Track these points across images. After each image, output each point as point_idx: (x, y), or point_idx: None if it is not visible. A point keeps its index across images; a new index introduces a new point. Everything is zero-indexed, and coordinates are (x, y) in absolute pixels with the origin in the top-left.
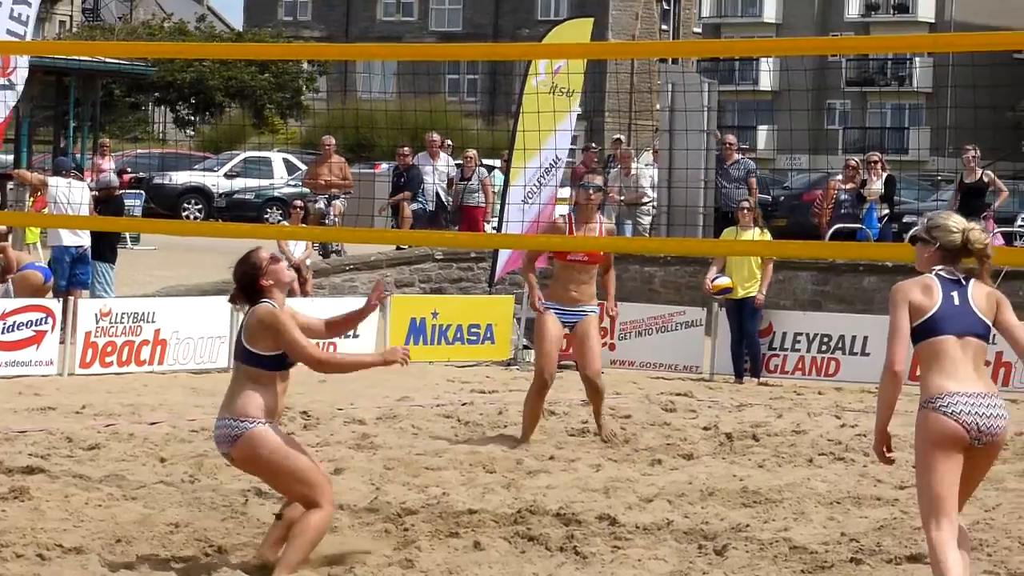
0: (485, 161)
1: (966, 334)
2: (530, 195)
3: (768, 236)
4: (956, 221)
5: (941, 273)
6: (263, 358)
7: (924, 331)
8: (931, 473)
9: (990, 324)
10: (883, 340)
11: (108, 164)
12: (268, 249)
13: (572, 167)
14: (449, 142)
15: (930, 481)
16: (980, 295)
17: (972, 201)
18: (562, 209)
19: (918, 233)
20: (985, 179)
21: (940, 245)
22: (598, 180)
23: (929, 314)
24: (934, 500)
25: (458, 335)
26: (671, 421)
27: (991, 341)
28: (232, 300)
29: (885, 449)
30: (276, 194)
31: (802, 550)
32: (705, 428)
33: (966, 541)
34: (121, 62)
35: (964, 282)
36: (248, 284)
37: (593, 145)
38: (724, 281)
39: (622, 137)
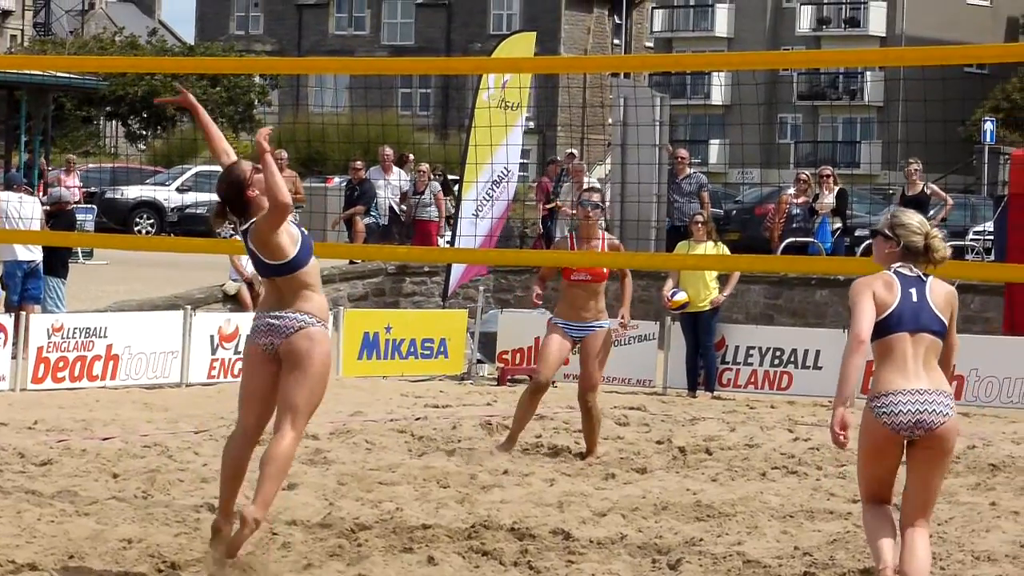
0: (451, 176)
1: (920, 331)
2: (480, 209)
3: (725, 249)
4: (919, 223)
5: (901, 270)
6: (285, 265)
7: (881, 328)
8: (868, 467)
9: (946, 322)
10: (836, 354)
11: (73, 180)
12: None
13: (539, 182)
14: (411, 156)
15: (867, 471)
16: (939, 293)
17: None
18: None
19: (880, 228)
20: (927, 191)
21: (903, 244)
22: (595, 197)
23: (888, 311)
24: (869, 486)
25: (411, 349)
26: (624, 435)
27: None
28: (217, 218)
29: (841, 431)
30: None
31: (755, 564)
32: (658, 442)
33: (917, 554)
34: (72, 76)
35: (923, 279)
36: (236, 196)
37: (558, 158)
38: (681, 297)
39: (575, 151)
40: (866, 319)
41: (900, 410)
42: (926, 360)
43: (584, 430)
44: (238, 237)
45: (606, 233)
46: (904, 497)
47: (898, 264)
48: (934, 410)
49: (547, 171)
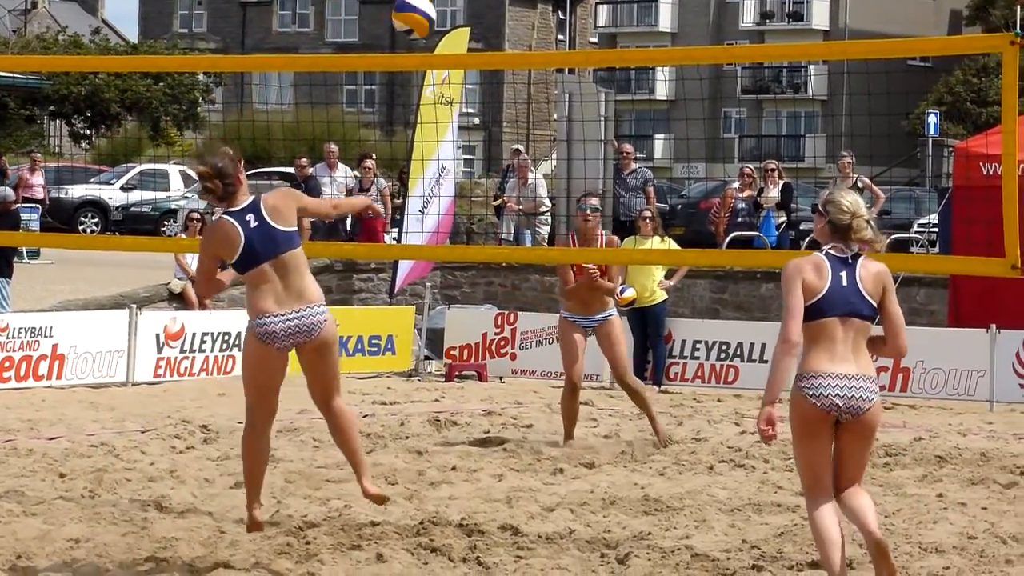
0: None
1: (849, 315)
2: (425, 206)
3: (673, 244)
4: (850, 202)
5: (831, 252)
6: (296, 235)
7: (812, 312)
8: (802, 447)
9: (875, 305)
10: None
11: (38, 179)
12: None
13: (511, 176)
14: (373, 155)
15: (802, 453)
16: (868, 275)
17: None
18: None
19: (817, 204)
20: (860, 184)
21: (829, 220)
22: (594, 201)
23: (818, 297)
24: (807, 471)
25: (359, 346)
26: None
27: (876, 322)
28: (204, 196)
29: (768, 426)
30: (173, 206)
31: (704, 557)
32: (606, 436)
33: (862, 508)
34: (15, 75)
35: (852, 261)
36: (227, 186)
37: (519, 148)
38: (630, 293)
39: (520, 147)
40: (796, 319)
41: (827, 392)
42: (855, 344)
43: (645, 414)
44: (227, 218)
45: (604, 232)
46: (837, 470)
47: (830, 245)
48: (860, 396)
49: (518, 162)
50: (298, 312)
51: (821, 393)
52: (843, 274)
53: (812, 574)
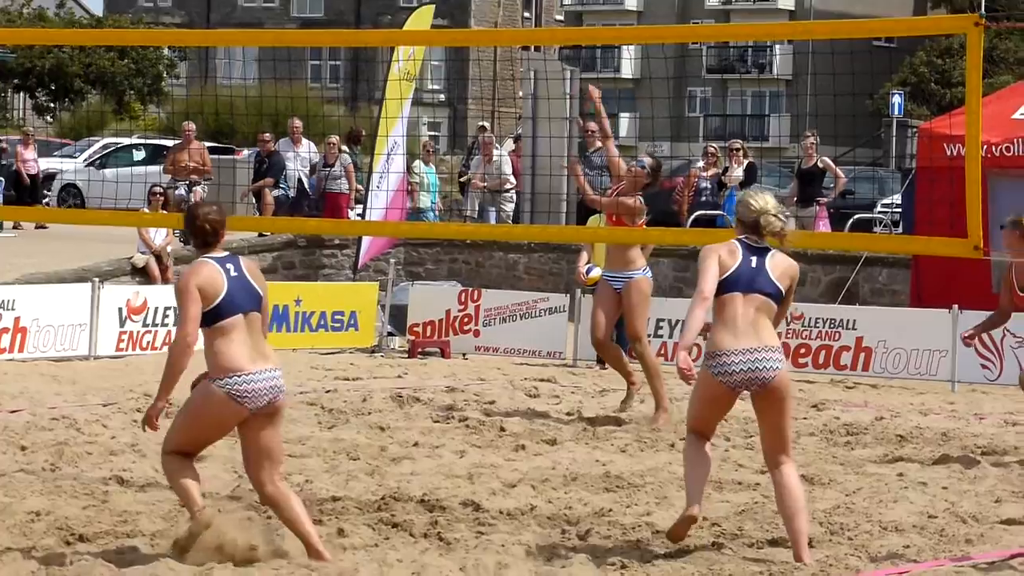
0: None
1: (752, 291)
2: (380, 182)
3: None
4: (757, 201)
5: (746, 241)
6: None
7: (720, 287)
8: (703, 408)
9: (782, 289)
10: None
11: (31, 154)
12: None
13: (476, 153)
14: (364, 131)
15: (700, 412)
16: (777, 264)
17: (807, 188)
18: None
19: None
20: (820, 165)
21: (739, 218)
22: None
23: (727, 273)
24: (699, 420)
25: (322, 322)
26: (534, 407)
27: (780, 303)
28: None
29: (686, 369)
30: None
31: (664, 534)
32: (568, 414)
33: (792, 492)
34: None
35: (767, 250)
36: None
37: (484, 125)
38: (597, 273)
39: (486, 124)
40: (710, 279)
41: (734, 369)
42: (756, 318)
43: (650, 386)
44: (209, 260)
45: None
46: (762, 441)
47: (743, 235)
48: (764, 366)
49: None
50: (269, 371)
51: (727, 371)
52: (753, 258)
53: (772, 552)
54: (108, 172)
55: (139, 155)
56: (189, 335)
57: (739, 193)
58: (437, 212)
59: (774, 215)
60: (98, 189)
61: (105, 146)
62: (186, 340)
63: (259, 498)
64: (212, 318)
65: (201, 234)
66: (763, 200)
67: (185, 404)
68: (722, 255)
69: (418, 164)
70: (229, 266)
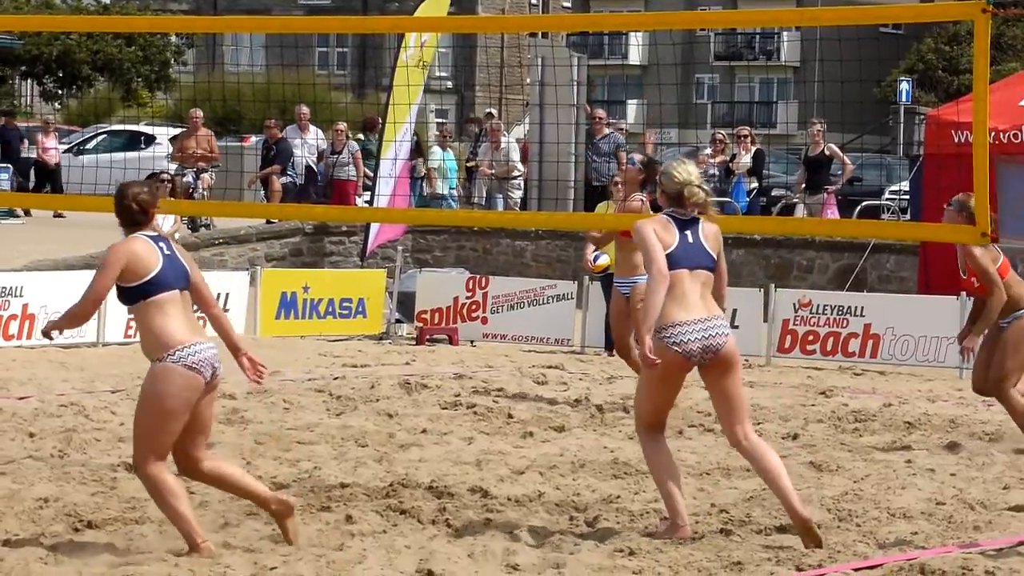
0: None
1: (697, 268)
2: (390, 169)
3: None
4: (681, 173)
5: (674, 214)
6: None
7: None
8: (655, 391)
9: (715, 257)
10: (752, 313)
11: (51, 143)
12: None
13: (484, 140)
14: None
15: (652, 398)
16: (709, 233)
17: (814, 175)
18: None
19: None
20: (827, 152)
21: (662, 189)
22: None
23: (668, 251)
24: (652, 412)
25: (330, 309)
26: (542, 393)
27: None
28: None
29: (652, 354)
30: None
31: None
32: (576, 400)
33: (766, 454)
34: None
35: (692, 222)
36: (143, 211)
37: (492, 111)
38: (604, 260)
39: (493, 111)
40: (660, 256)
41: (689, 339)
42: (703, 293)
43: None
44: (142, 236)
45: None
46: (720, 416)
47: (670, 209)
48: (716, 334)
49: (491, 126)
50: (209, 344)
51: (681, 340)
52: (688, 233)
53: (780, 538)
54: (86, 159)
55: (117, 142)
56: (100, 293)
57: (664, 164)
58: (456, 197)
59: (698, 186)
60: (76, 175)
61: (97, 134)
62: (99, 295)
63: (198, 477)
64: (145, 292)
65: (128, 213)
66: (687, 171)
67: (142, 402)
68: (658, 231)
69: (436, 150)
70: (162, 244)
